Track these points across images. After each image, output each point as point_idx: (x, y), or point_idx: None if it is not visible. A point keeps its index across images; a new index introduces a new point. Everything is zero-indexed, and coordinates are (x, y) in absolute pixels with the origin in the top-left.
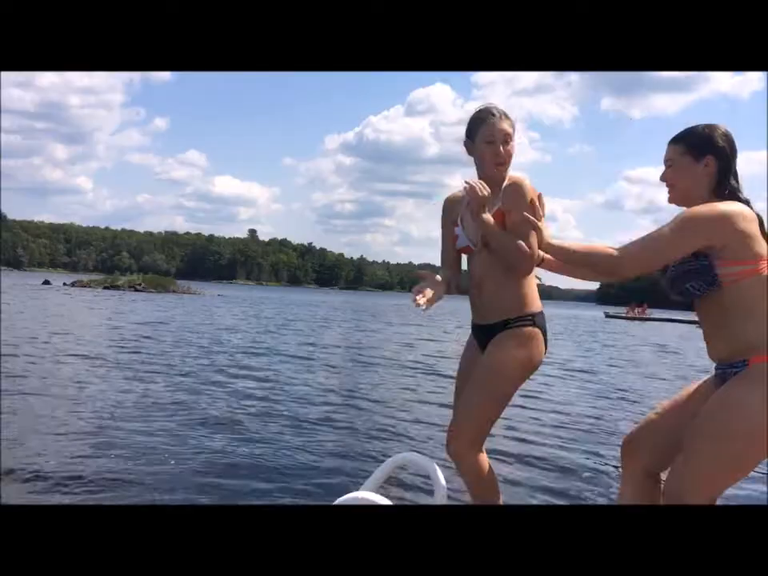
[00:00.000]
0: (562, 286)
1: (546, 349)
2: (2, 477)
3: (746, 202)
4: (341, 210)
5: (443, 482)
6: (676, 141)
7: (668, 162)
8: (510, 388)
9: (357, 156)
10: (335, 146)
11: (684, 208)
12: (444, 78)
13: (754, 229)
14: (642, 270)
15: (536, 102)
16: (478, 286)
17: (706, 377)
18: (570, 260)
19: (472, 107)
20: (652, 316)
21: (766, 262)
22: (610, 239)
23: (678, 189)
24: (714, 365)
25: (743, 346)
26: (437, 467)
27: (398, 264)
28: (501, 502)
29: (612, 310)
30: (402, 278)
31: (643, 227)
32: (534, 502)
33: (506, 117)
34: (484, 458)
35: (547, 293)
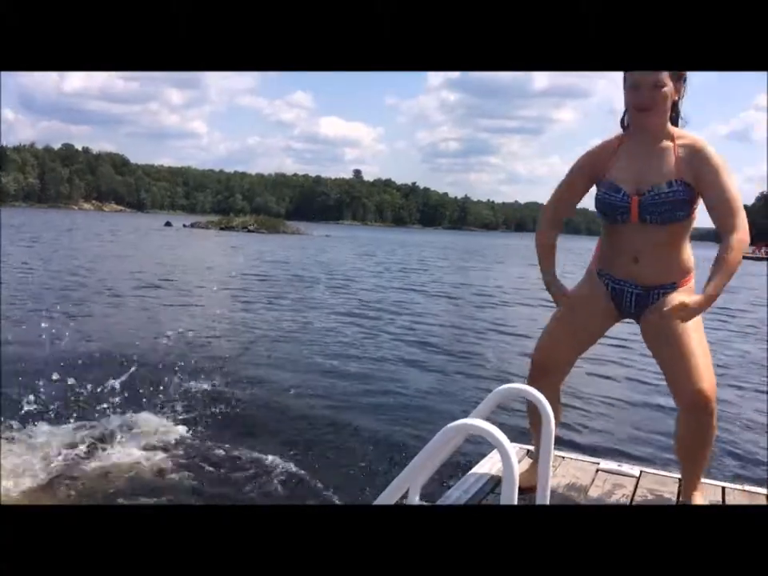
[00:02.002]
0: None
1: None
2: (1, 477)
3: (676, 125)
4: (445, 148)
5: (551, 414)
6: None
7: (658, 82)
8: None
9: (461, 92)
10: (438, 82)
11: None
12: None
13: None
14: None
15: None
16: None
17: (583, 292)
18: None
19: (550, 71)
20: None
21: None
22: (738, 173)
23: (659, 112)
24: (623, 284)
25: (675, 270)
26: (544, 398)
27: (503, 203)
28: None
29: None
30: (507, 218)
31: None
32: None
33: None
34: None
35: None
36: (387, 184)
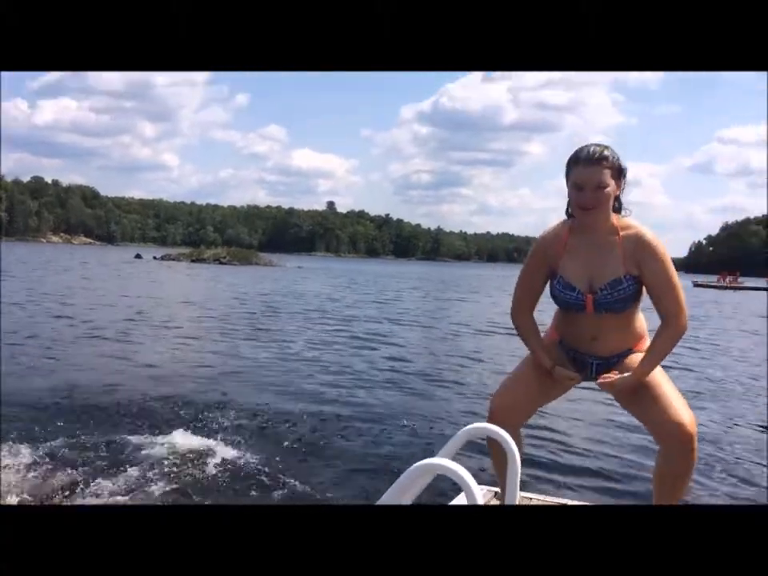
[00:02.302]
0: None
1: None
2: (1, 477)
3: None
4: (417, 180)
5: (517, 453)
6: (603, 164)
7: (601, 184)
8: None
9: (433, 125)
10: (411, 115)
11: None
12: None
13: None
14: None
15: None
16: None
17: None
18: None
19: (550, 71)
20: (744, 285)
21: None
22: (700, 204)
23: (603, 210)
24: (584, 356)
25: (631, 339)
26: (509, 437)
27: (475, 234)
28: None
29: (701, 278)
30: (479, 248)
31: (736, 191)
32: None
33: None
34: None
35: None
36: (360, 215)
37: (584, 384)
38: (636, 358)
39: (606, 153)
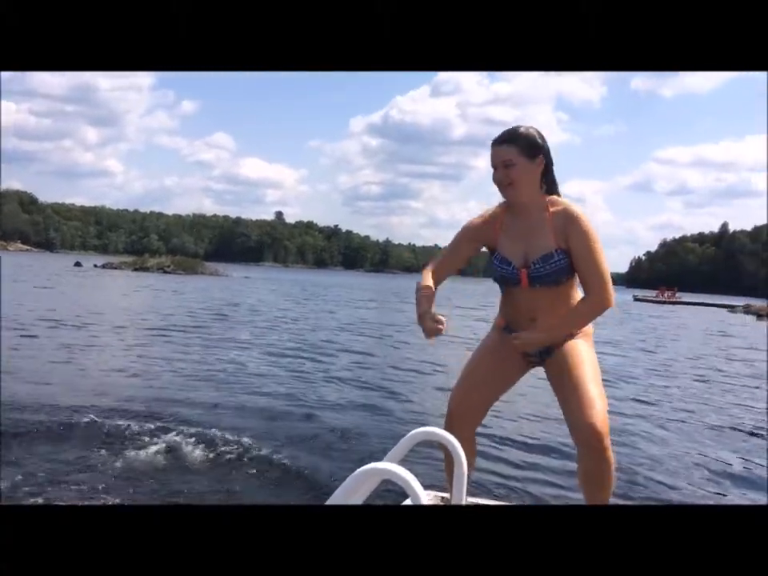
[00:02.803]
0: None
1: None
2: (1, 476)
3: (558, 195)
4: (367, 191)
5: (464, 458)
6: (509, 142)
7: (506, 162)
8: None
9: (383, 137)
10: (361, 127)
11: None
12: None
13: None
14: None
15: (565, 82)
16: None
17: (494, 341)
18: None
19: (498, 88)
20: (681, 300)
21: None
22: (640, 221)
23: (518, 187)
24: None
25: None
26: (456, 441)
27: (423, 246)
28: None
29: (641, 293)
30: (427, 260)
31: (673, 209)
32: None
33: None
34: None
35: None
36: (309, 226)
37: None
38: (576, 345)
39: (514, 133)
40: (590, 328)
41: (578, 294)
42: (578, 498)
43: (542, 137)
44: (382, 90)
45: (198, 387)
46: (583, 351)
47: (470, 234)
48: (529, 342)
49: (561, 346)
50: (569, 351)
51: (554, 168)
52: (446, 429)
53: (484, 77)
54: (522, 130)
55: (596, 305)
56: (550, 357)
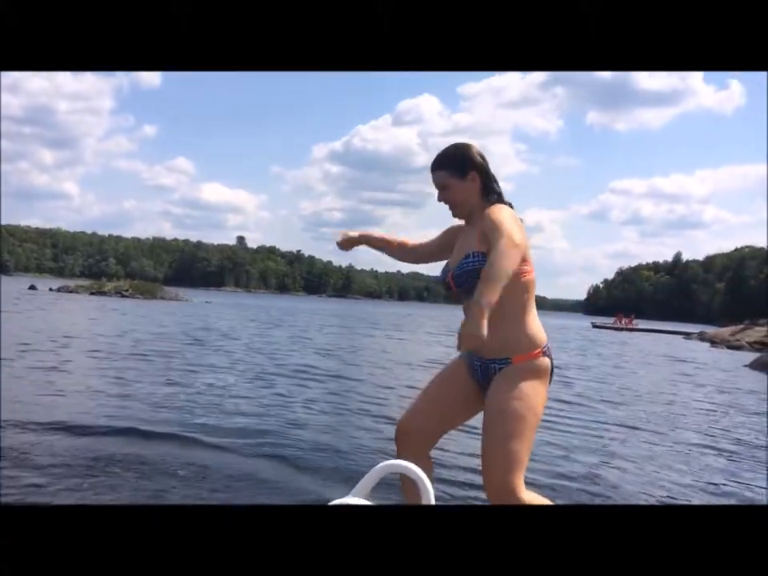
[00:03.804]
0: (549, 296)
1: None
2: (1, 477)
3: (510, 205)
4: (329, 218)
5: (431, 489)
6: (440, 167)
7: (440, 186)
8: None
9: (344, 165)
10: (322, 154)
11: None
12: (431, 90)
13: (524, 234)
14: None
15: (522, 115)
16: None
17: (451, 366)
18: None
19: (458, 118)
20: (638, 327)
21: (531, 267)
22: (597, 249)
23: (458, 205)
24: (472, 356)
25: (510, 345)
26: (423, 474)
27: (386, 272)
28: None
29: (599, 320)
30: (390, 287)
31: (628, 238)
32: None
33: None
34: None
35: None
36: (271, 251)
37: None
38: (514, 372)
39: (443, 156)
40: (530, 358)
41: (526, 320)
42: None
43: (472, 152)
44: (344, 118)
45: (183, 408)
46: (513, 393)
47: (445, 233)
48: (466, 333)
49: (498, 377)
50: (496, 390)
51: (508, 193)
52: (397, 449)
53: (445, 107)
54: (450, 151)
55: (501, 247)
56: (488, 384)
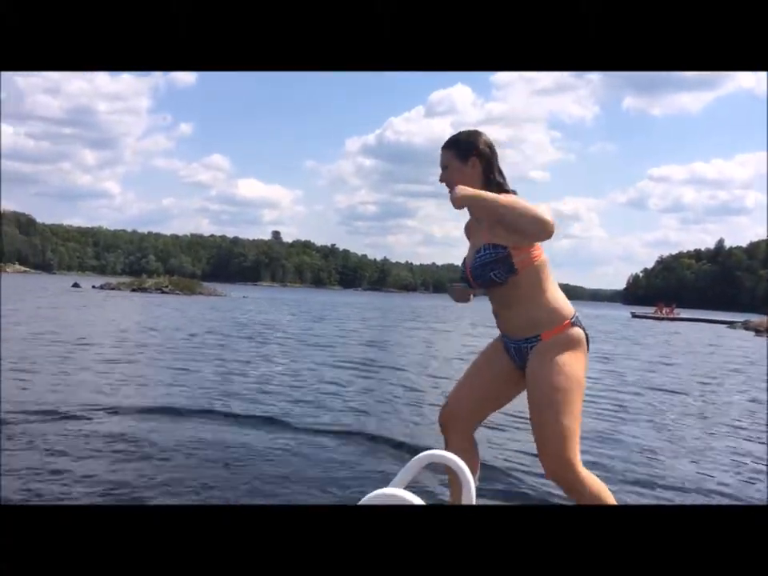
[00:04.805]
0: (587, 286)
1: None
2: (1, 477)
3: (514, 193)
4: (363, 211)
5: (471, 480)
6: (447, 147)
7: (442, 165)
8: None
9: (377, 158)
10: (356, 148)
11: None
12: (464, 79)
13: None
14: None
15: (557, 102)
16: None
17: (490, 346)
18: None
19: (492, 107)
20: (680, 316)
21: (540, 250)
22: (635, 238)
23: (452, 188)
24: (506, 339)
25: (535, 323)
26: (464, 465)
27: (420, 265)
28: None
29: (639, 310)
30: (425, 279)
31: (669, 226)
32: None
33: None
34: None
35: (572, 292)
36: (306, 245)
37: None
38: (546, 347)
39: (453, 138)
40: (558, 332)
41: (547, 296)
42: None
43: (479, 140)
44: (377, 111)
45: (258, 399)
46: (550, 368)
47: (465, 230)
48: (456, 195)
49: (532, 356)
50: (534, 369)
51: (544, 182)
52: (442, 433)
53: (478, 96)
54: (460, 135)
55: (508, 198)
56: (525, 365)
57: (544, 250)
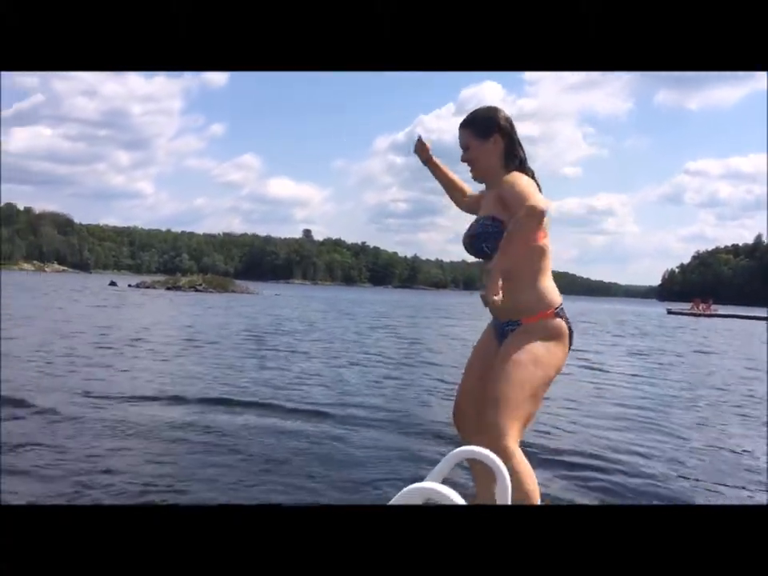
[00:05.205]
0: (621, 282)
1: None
2: (2, 477)
3: (532, 173)
4: (394, 209)
5: (508, 479)
6: (465, 126)
7: (463, 145)
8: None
9: (407, 155)
10: (385, 146)
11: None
12: (494, 76)
13: (544, 201)
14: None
15: (589, 97)
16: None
17: (483, 333)
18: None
19: (523, 104)
20: (717, 312)
21: (544, 233)
22: (671, 233)
23: (477, 166)
24: (495, 321)
25: (520, 307)
26: (501, 463)
27: (451, 262)
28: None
29: (674, 306)
30: (456, 276)
31: (706, 221)
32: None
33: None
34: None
35: (606, 289)
36: (337, 243)
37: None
38: (522, 331)
39: (470, 117)
40: (539, 319)
41: (537, 284)
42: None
43: (499, 116)
44: (406, 109)
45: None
46: (517, 346)
47: (476, 196)
48: (487, 290)
49: (511, 336)
50: (509, 344)
51: (577, 177)
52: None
53: (508, 93)
54: (478, 112)
55: (526, 214)
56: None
57: (549, 236)
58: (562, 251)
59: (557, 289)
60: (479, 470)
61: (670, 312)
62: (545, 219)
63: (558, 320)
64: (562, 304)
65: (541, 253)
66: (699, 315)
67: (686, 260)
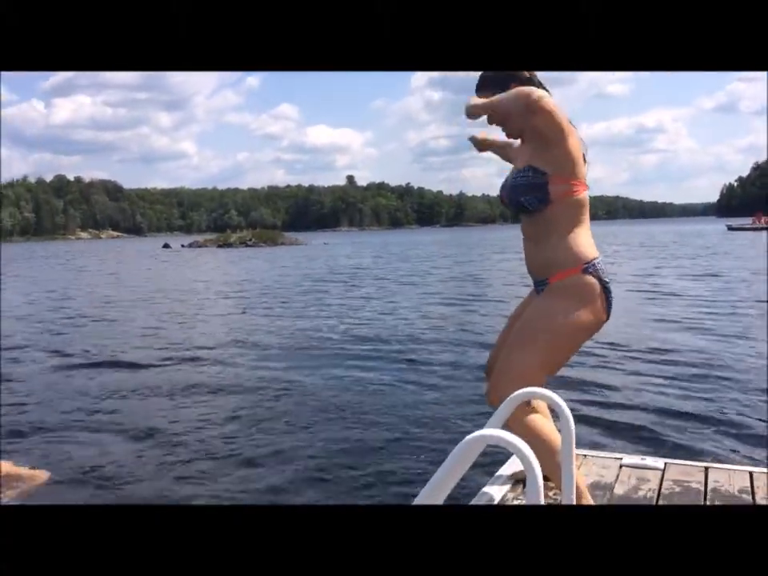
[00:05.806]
0: (676, 201)
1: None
2: (1, 476)
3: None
4: (435, 146)
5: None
6: (480, 89)
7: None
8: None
9: (445, 90)
10: (422, 83)
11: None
12: None
13: (580, 151)
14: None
15: None
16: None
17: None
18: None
19: (550, 71)
20: None
21: (582, 185)
22: (727, 145)
23: (506, 123)
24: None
25: (549, 265)
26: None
27: (498, 196)
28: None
29: (735, 222)
30: (504, 210)
31: (763, 129)
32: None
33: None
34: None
35: (659, 209)
36: (381, 187)
37: None
38: (548, 292)
39: (481, 78)
40: (564, 276)
41: (570, 240)
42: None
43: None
44: None
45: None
46: (539, 309)
47: (510, 146)
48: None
49: (541, 295)
50: (532, 306)
51: (624, 95)
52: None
53: None
54: (487, 73)
55: (515, 93)
56: None
57: (587, 187)
58: (613, 174)
59: (593, 244)
60: (540, 407)
61: (730, 228)
62: (579, 169)
63: (587, 277)
64: (596, 259)
65: (579, 206)
66: (762, 229)
67: (745, 172)
